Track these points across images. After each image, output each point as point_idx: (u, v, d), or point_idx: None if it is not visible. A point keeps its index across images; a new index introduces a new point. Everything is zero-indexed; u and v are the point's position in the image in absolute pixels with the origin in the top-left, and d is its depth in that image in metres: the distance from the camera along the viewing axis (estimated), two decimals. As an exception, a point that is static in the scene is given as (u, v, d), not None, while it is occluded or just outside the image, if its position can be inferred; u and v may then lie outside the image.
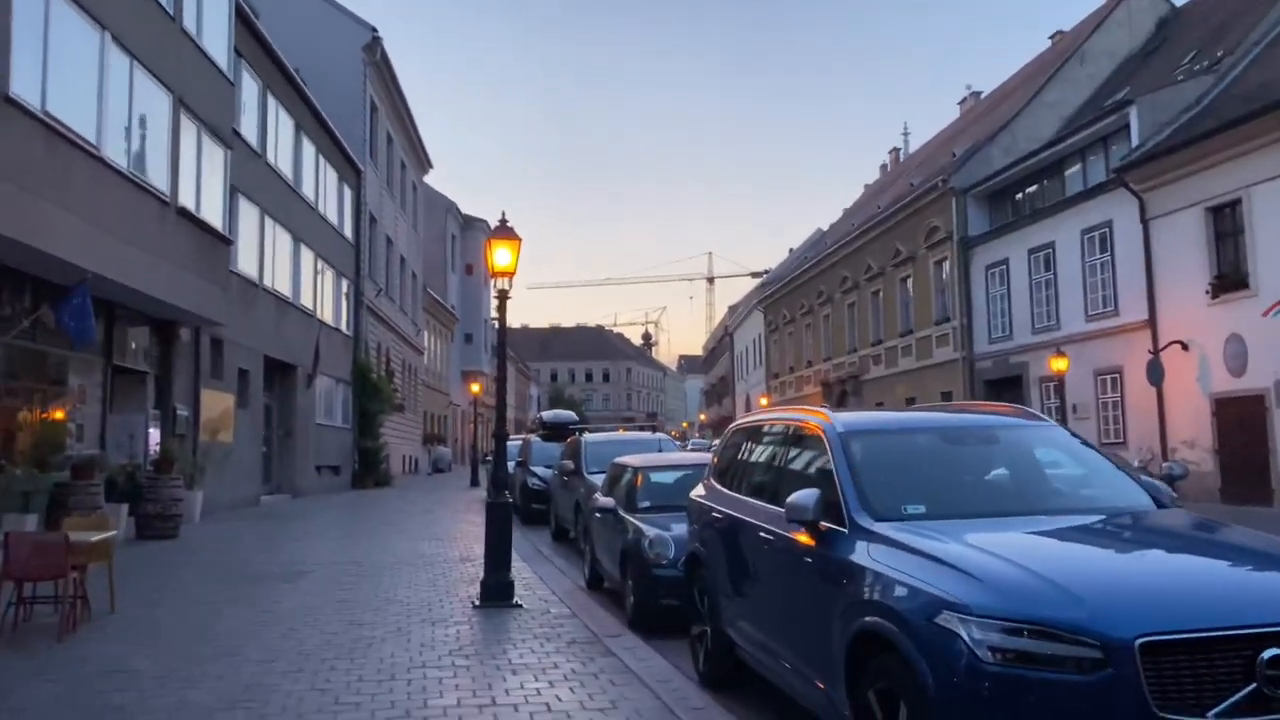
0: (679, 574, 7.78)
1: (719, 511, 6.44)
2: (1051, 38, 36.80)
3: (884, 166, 52.37)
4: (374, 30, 31.08)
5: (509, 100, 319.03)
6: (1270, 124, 18.82)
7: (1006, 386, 28.06)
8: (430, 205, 48.50)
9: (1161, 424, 22.00)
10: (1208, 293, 20.65)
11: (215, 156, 17.39)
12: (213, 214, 17.16)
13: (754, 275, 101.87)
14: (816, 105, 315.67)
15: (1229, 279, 20.29)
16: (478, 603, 9.10)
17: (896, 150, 51.09)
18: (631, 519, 9.08)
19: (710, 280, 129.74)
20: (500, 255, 9.74)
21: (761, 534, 5.48)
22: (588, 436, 15.71)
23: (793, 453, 5.78)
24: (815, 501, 4.67)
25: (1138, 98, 23.59)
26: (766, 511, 5.55)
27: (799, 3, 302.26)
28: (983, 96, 41.62)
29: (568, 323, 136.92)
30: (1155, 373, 21.39)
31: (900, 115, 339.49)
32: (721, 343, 75.18)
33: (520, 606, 8.95)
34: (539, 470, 18.71)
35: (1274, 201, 19.03)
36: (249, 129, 20.85)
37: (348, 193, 29.84)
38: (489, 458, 34.11)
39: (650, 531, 8.47)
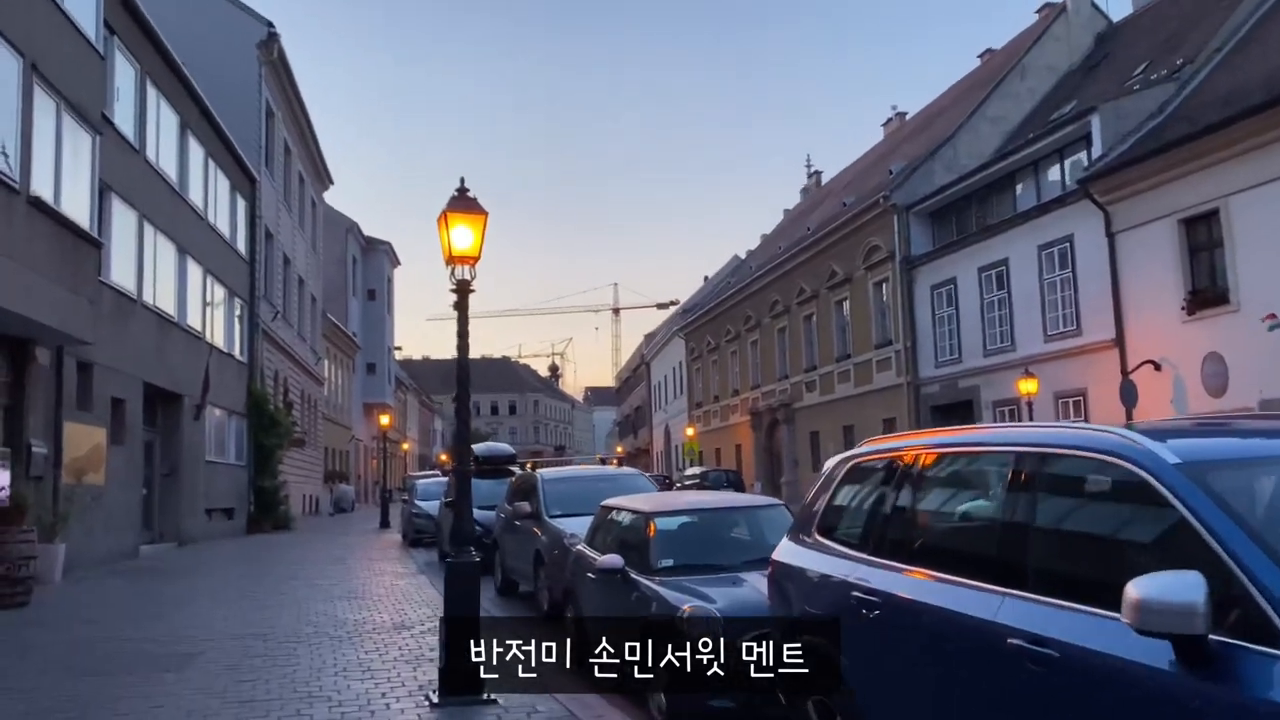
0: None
1: (866, 592, 4.12)
2: (981, 56, 36.14)
3: (805, 190, 51.27)
4: (270, 26, 28.20)
5: (409, 122, 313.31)
6: (1250, 129, 17.74)
7: (955, 412, 26.61)
8: (330, 225, 45.36)
9: (1133, 450, 20.64)
10: (1183, 309, 19.45)
11: (81, 141, 14.51)
12: (77, 210, 14.28)
13: (660, 306, 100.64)
14: (721, 134, 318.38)
15: (1206, 294, 19.11)
16: (435, 698, 6.72)
17: (818, 174, 50.04)
18: (650, 583, 6.72)
19: (616, 311, 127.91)
20: (460, 235, 7.40)
21: (1011, 641, 3.20)
22: (544, 473, 13.28)
23: (1049, 502, 3.52)
24: (1204, 598, 2.49)
25: (1099, 106, 22.48)
26: (1014, 603, 3.32)
27: (695, 37, 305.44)
28: (908, 117, 40.80)
29: (471, 354, 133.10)
30: (1129, 395, 20.02)
31: (806, 145, 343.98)
32: (637, 372, 72.99)
33: (495, 703, 6.57)
34: (474, 512, 16.12)
35: (1256, 211, 17.90)
36: (124, 119, 17.95)
37: (241, 203, 26.82)
38: (404, 496, 31.11)
39: (685, 603, 6.15)
